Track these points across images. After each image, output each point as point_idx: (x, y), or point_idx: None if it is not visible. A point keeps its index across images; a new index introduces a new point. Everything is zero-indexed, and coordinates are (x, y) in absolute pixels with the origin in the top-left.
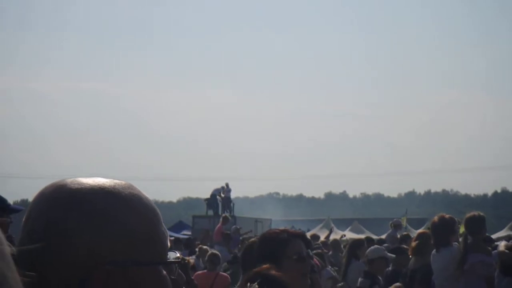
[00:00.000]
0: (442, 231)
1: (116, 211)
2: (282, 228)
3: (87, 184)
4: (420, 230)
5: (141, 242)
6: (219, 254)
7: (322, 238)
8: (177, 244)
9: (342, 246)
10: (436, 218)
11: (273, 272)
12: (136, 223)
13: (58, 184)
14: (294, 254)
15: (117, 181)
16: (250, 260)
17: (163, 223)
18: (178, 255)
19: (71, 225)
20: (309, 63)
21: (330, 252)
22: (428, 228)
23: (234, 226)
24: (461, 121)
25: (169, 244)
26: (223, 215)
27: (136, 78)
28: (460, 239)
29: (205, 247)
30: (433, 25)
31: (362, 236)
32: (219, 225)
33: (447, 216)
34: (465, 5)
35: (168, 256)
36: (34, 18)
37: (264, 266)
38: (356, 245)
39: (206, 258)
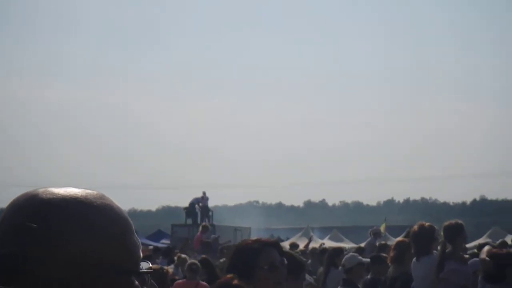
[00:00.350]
0: (422, 239)
1: (89, 220)
2: (256, 238)
3: (59, 193)
4: (399, 239)
5: (114, 251)
6: (198, 264)
7: (301, 246)
8: (156, 253)
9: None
10: (416, 226)
11: (235, 282)
12: (109, 232)
13: (31, 194)
14: (266, 263)
15: (89, 191)
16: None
17: (135, 233)
18: (150, 265)
19: (45, 233)
20: (288, 73)
21: (309, 261)
22: (406, 236)
23: (213, 235)
24: (440, 130)
25: (141, 254)
26: (203, 224)
27: (117, 86)
28: (439, 247)
29: (183, 255)
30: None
31: (342, 245)
32: (198, 233)
33: (426, 224)
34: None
35: (141, 266)
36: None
37: (228, 276)
38: (335, 253)
39: (185, 267)
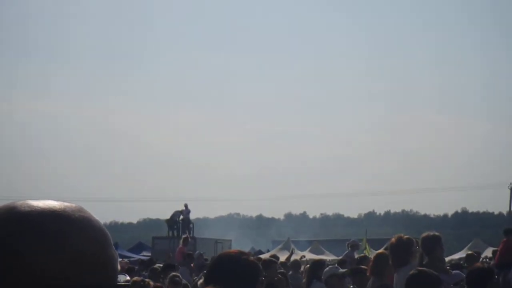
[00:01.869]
0: (400, 251)
1: (66, 234)
2: (236, 250)
3: (38, 206)
4: (378, 251)
5: (91, 265)
6: (180, 276)
7: (282, 258)
8: (141, 265)
9: (302, 267)
10: (394, 239)
11: None
12: (87, 246)
13: (8, 207)
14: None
15: (67, 204)
16: None
17: (113, 246)
18: (128, 278)
19: (22, 246)
20: (269, 87)
21: (290, 273)
22: (386, 249)
23: (197, 252)
24: (420, 143)
25: (119, 267)
26: (184, 236)
27: (97, 99)
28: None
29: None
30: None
31: (323, 257)
32: (180, 246)
33: (405, 237)
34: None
35: (118, 280)
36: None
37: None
38: (317, 265)
39: (167, 279)
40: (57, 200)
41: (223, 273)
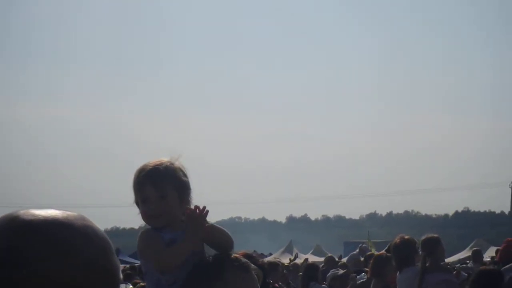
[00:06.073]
0: (404, 251)
1: (71, 242)
2: (243, 252)
3: (40, 215)
4: (378, 252)
5: (97, 274)
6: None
7: (284, 261)
8: (141, 271)
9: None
10: (397, 239)
11: None
12: (93, 254)
13: (11, 216)
14: None
15: (69, 212)
16: None
17: (115, 254)
18: (131, 287)
19: (29, 254)
20: (268, 87)
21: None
22: (387, 251)
23: None
24: (421, 143)
25: (121, 275)
26: None
27: (86, 102)
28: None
29: None
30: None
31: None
32: None
33: (407, 236)
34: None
35: None
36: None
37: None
38: (312, 269)
39: None
40: (59, 208)
41: None
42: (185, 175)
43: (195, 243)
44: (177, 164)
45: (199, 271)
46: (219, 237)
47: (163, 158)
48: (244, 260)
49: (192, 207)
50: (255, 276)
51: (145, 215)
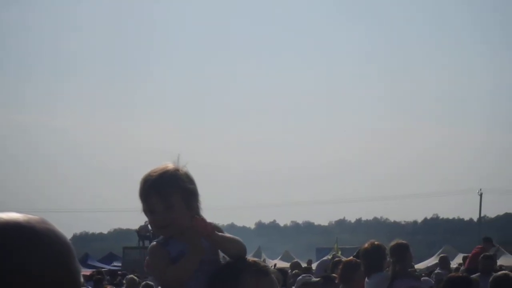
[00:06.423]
0: (373, 257)
1: (31, 247)
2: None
3: (1, 218)
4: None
5: (56, 280)
6: (152, 284)
7: None
8: (113, 276)
9: None
10: (367, 244)
11: None
12: (52, 259)
13: None
14: None
15: (31, 216)
16: None
17: (76, 259)
18: None
19: None
20: (241, 92)
21: None
22: (356, 256)
23: None
24: (390, 150)
25: (82, 280)
26: None
27: (66, 109)
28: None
29: (131, 276)
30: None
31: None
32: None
33: (377, 242)
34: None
35: None
36: None
37: None
38: (281, 273)
39: (141, 287)
40: (21, 212)
41: None
42: (192, 182)
43: (201, 254)
44: (182, 170)
45: (219, 279)
46: (229, 247)
47: (168, 163)
48: (263, 264)
49: (201, 212)
50: (275, 279)
51: (153, 225)
